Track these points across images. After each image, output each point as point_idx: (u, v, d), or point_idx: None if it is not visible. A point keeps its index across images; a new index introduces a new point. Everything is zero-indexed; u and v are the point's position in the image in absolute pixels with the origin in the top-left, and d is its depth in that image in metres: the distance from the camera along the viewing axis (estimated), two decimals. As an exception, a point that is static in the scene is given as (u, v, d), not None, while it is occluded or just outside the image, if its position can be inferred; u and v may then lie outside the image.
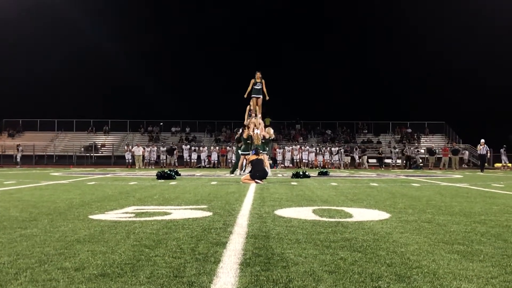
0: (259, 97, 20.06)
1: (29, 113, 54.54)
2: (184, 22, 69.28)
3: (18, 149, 41.48)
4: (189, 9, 69.32)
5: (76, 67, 64.54)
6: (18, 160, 40.30)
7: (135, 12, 68.98)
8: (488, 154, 31.85)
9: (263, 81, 20.02)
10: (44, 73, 60.87)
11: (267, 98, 20.22)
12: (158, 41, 67.51)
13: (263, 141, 19.74)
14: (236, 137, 21.53)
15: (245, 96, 20.19)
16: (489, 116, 56.62)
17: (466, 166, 42.04)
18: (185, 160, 41.88)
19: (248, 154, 18.93)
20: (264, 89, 20.11)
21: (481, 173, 26.65)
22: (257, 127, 19.70)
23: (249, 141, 19.35)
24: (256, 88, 19.98)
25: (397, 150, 41.86)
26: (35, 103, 59.70)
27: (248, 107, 20.57)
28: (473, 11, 57.08)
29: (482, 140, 31.89)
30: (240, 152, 20.51)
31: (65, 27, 62.46)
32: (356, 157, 41.03)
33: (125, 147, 41.98)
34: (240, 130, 20.73)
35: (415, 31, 64.62)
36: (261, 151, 19.04)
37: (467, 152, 44.15)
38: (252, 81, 20.04)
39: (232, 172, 21.06)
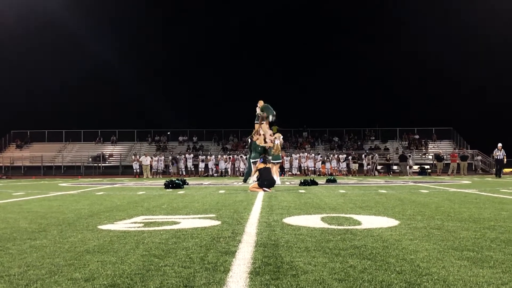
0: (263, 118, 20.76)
1: (37, 124, 54.84)
2: (190, 33, 69.60)
3: None
4: (194, 21, 69.66)
5: (83, 78, 64.94)
6: None
7: (142, 25, 69.33)
8: (505, 159, 30.90)
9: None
10: (51, 85, 61.35)
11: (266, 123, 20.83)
12: (165, 52, 67.87)
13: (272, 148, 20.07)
14: (249, 144, 21.72)
15: (257, 124, 20.76)
16: (498, 121, 56.40)
17: (480, 172, 41.76)
18: (189, 169, 41.91)
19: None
20: (265, 116, 20.70)
21: (491, 179, 26.48)
22: (271, 136, 19.97)
23: (260, 149, 19.55)
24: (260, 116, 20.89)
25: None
26: (43, 114, 60.08)
27: (257, 109, 20.83)
28: (479, 18, 57.04)
29: (500, 144, 30.85)
30: (252, 160, 20.65)
31: (72, 40, 63.01)
32: (365, 163, 40.99)
33: (133, 157, 42.05)
34: (250, 140, 20.98)
35: (422, 38, 64.63)
36: (272, 160, 19.42)
37: (480, 158, 43.81)
38: (258, 109, 20.86)
39: (245, 181, 21.14)
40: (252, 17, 69.08)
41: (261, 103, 20.69)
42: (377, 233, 5.26)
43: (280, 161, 21.35)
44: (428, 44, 65.44)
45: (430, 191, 13.56)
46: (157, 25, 70.01)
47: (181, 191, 14.30)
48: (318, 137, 55.00)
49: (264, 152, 19.09)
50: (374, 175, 38.88)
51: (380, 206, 8.74)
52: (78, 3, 60.75)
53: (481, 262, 3.80)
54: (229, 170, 40.68)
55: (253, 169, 20.48)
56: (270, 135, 20.27)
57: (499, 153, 30.78)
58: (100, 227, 6.04)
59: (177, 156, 42.81)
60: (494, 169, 32.92)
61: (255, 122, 20.80)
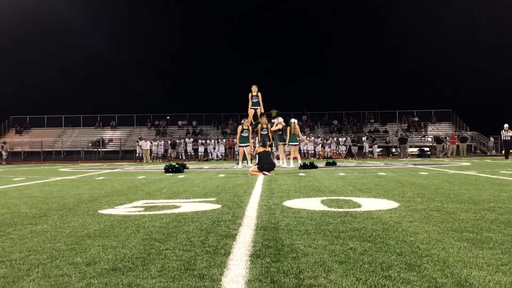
0: (257, 108, 20.92)
1: (36, 109, 54.75)
2: (189, 17, 69.22)
3: (2, 147, 41.80)
4: (193, 4, 69.23)
5: (83, 63, 64.73)
6: (4, 157, 40.73)
7: (140, 9, 68.90)
8: None
9: (259, 94, 20.81)
10: (51, 70, 61.11)
11: (263, 110, 21.02)
12: (164, 36, 67.53)
13: (279, 132, 20.25)
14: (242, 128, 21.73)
15: (248, 110, 20.91)
16: (498, 103, 56.29)
17: (480, 153, 41.64)
18: (188, 153, 41.93)
19: (247, 145, 19.91)
20: (261, 102, 20.84)
21: (491, 160, 26.47)
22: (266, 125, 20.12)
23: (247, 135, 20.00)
24: (254, 101, 20.85)
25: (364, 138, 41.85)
26: (42, 100, 59.97)
27: (250, 94, 20.79)
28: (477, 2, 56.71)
29: (506, 125, 29.94)
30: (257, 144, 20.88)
31: (71, 25, 62.60)
32: (366, 146, 40.96)
33: (138, 141, 41.48)
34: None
35: (421, 20, 64.30)
36: (289, 143, 19.72)
37: (492, 139, 43.57)
38: (250, 94, 20.80)
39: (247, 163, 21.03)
40: (252, 3, 68.72)
41: (255, 88, 20.63)
42: (377, 216, 5.27)
43: (297, 143, 21.28)
44: (428, 27, 65.10)
45: (429, 173, 13.58)
46: (155, 8, 69.61)
47: (181, 175, 14.32)
48: (318, 121, 54.94)
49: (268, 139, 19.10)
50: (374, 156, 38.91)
51: (379, 188, 8.76)
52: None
53: (481, 243, 3.81)
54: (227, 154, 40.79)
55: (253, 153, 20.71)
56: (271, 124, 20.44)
57: (507, 134, 29.95)
58: (100, 211, 6.05)
59: (177, 141, 42.79)
60: (494, 151, 32.49)
61: (252, 107, 20.74)
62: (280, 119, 21.03)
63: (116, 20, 65.41)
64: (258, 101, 20.69)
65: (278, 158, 20.76)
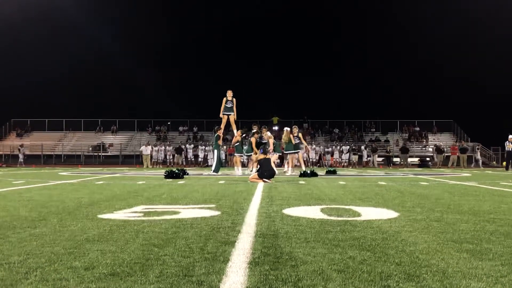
0: (230, 114, 20.50)
1: (37, 113, 54.75)
2: (190, 21, 69.41)
3: (20, 150, 41.81)
4: (195, 9, 69.42)
5: (84, 67, 64.80)
6: (21, 160, 40.71)
7: (142, 12, 69.09)
8: None
9: (234, 99, 20.44)
10: (52, 74, 61.17)
11: (235, 118, 20.68)
12: (166, 41, 67.69)
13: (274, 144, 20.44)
14: (215, 135, 21.58)
15: (220, 115, 20.68)
16: (499, 114, 56.23)
17: (481, 166, 41.56)
18: (188, 159, 41.91)
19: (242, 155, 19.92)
20: (235, 108, 20.46)
21: (491, 172, 26.44)
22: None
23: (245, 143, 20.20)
24: (227, 107, 20.41)
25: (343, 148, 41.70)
26: (43, 103, 59.98)
27: (224, 99, 20.52)
28: (480, 10, 56.79)
29: (511, 136, 29.80)
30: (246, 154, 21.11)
31: (72, 29, 62.84)
32: (365, 155, 40.92)
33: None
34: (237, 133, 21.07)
35: (423, 30, 64.44)
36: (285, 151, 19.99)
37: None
38: (224, 99, 20.42)
39: (217, 171, 20.33)
40: (253, 8, 68.88)
41: (230, 93, 20.30)
42: (377, 225, 5.26)
43: (297, 151, 21.50)
44: (428, 36, 65.24)
45: (430, 183, 13.57)
46: (157, 13, 69.75)
47: (181, 181, 14.31)
48: (319, 129, 54.93)
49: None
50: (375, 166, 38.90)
51: (379, 197, 8.75)
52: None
53: (480, 254, 3.80)
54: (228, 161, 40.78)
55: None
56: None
57: (510, 143, 29.76)
58: (100, 216, 6.05)
59: (182, 147, 42.78)
60: (494, 162, 32.40)
61: (225, 113, 20.43)
62: (269, 134, 20.99)
63: (118, 25, 65.60)
64: (232, 107, 20.30)
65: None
